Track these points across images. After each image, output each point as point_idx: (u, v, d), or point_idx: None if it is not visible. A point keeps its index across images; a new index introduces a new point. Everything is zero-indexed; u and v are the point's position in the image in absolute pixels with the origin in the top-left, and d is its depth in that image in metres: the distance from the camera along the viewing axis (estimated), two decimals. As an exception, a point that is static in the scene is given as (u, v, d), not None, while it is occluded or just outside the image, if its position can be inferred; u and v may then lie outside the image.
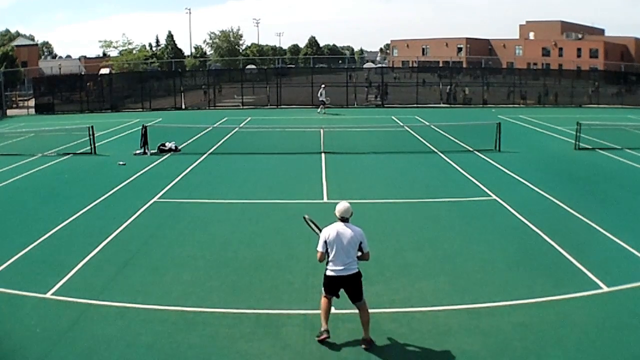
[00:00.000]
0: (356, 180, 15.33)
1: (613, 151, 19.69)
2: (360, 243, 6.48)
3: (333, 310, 7.42)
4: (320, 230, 6.65)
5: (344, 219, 6.54)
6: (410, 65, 67.33)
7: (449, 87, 41.99)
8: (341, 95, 39.32)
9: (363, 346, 6.53)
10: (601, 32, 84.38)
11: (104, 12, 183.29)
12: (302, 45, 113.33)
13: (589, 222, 11.24)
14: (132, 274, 8.80)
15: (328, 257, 6.48)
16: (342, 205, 6.58)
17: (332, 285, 6.55)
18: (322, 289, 6.69)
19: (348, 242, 6.42)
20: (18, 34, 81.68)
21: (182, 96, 40.92)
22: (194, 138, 23.13)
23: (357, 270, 6.51)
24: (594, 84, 44.02)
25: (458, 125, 25.30)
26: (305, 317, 7.29)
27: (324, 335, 6.57)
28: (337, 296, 6.64)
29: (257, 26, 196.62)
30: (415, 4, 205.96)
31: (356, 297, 6.56)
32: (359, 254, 6.55)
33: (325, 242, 6.45)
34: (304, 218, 7.05)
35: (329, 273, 6.51)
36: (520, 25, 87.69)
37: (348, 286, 6.52)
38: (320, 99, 33.76)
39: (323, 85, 34.72)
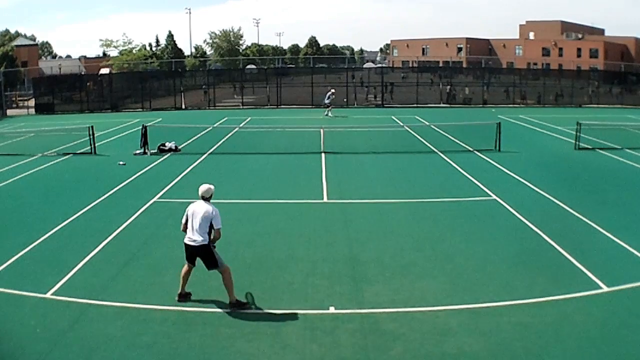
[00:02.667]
0: (356, 180, 15.33)
1: (613, 151, 19.69)
2: (212, 220, 7.38)
3: (332, 310, 7.48)
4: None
5: (204, 198, 7.60)
6: (410, 65, 67.28)
7: (449, 87, 41.94)
8: (341, 95, 39.27)
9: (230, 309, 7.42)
10: (601, 32, 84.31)
11: (104, 12, 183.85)
12: (302, 45, 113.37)
13: (589, 222, 11.25)
14: (132, 274, 8.82)
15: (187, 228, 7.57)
16: (202, 187, 7.70)
17: (186, 252, 7.61)
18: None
19: (200, 217, 7.39)
20: (18, 34, 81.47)
21: (182, 96, 40.91)
22: (194, 138, 23.13)
23: (204, 242, 7.39)
24: (594, 84, 44.00)
25: (458, 125, 25.30)
26: (305, 317, 7.30)
27: (182, 299, 7.71)
28: (194, 264, 7.66)
29: (257, 26, 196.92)
30: (415, 4, 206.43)
31: (208, 265, 7.53)
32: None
33: (187, 215, 7.58)
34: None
35: (184, 241, 7.59)
36: (520, 25, 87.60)
37: (199, 255, 7.52)
38: (326, 102, 33.31)
39: (332, 90, 34.28)
